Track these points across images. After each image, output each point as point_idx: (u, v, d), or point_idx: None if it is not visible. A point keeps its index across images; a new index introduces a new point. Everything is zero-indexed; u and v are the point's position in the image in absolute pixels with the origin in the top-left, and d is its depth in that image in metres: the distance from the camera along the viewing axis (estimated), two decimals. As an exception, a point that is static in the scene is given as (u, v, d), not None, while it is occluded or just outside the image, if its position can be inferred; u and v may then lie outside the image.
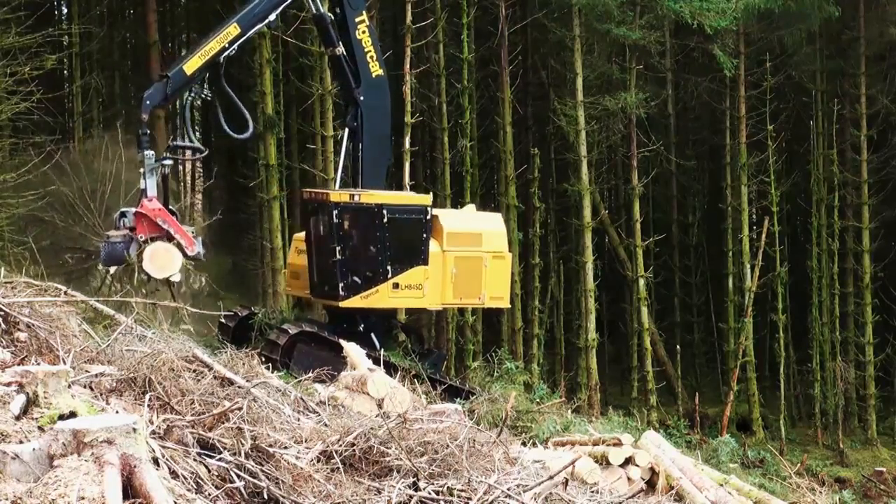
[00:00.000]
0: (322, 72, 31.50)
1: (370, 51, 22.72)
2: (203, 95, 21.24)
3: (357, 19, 22.53)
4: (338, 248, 21.60)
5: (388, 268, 22.05)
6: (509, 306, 25.26)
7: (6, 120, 26.35)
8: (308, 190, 23.48)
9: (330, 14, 22.86)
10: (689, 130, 45.70)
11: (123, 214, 20.94)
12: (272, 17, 21.74)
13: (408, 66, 32.90)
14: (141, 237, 20.39)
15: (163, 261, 20.27)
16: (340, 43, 22.53)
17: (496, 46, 36.97)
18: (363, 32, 22.60)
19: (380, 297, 22.12)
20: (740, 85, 39.30)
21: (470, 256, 22.96)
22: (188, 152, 22.62)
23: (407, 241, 22.31)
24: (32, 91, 25.22)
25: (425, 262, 22.35)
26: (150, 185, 20.66)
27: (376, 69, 22.87)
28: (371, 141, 22.86)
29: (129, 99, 43.40)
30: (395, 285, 22.14)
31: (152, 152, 20.76)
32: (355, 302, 21.98)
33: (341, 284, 21.69)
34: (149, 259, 20.13)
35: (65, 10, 38.36)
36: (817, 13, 37.01)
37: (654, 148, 39.08)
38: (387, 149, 23.88)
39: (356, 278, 21.87)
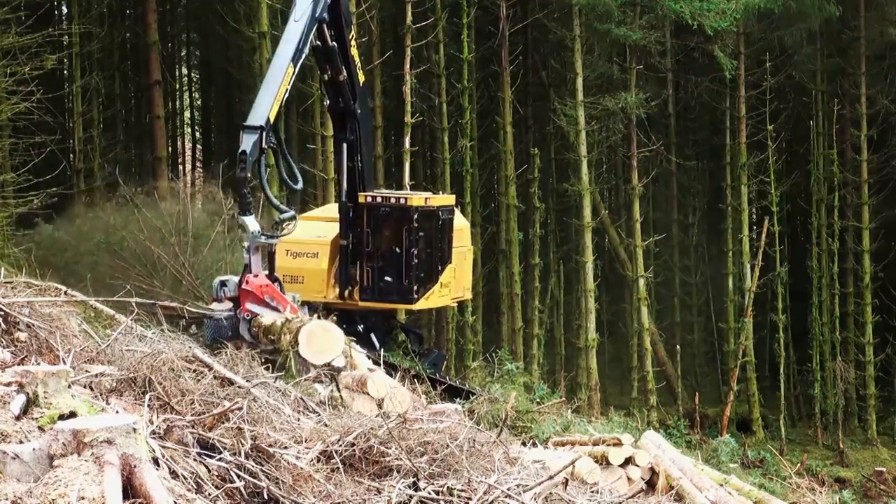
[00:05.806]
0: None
1: (358, 62, 22.64)
2: (272, 144, 19.98)
3: (349, 35, 22.10)
4: (415, 252, 21.96)
5: (440, 267, 22.60)
6: (471, 297, 25.94)
7: (6, 120, 26.34)
8: (369, 194, 22.29)
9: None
10: (689, 130, 45.65)
11: (224, 284, 19.44)
12: (307, 49, 20.64)
13: (408, 66, 32.90)
14: (247, 315, 18.71)
15: (322, 343, 16.85)
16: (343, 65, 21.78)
17: (496, 46, 36.97)
18: (354, 47, 22.35)
19: (434, 297, 22.68)
20: (740, 85, 39.29)
21: (461, 251, 23.62)
22: (291, 224, 20.13)
23: (446, 241, 22.90)
24: (32, 91, 25.18)
25: (451, 261, 22.95)
26: (255, 261, 19.15)
27: (362, 77, 22.85)
28: (367, 147, 23.08)
29: (128, 99, 43.43)
30: (441, 284, 22.71)
31: (257, 226, 19.24)
32: (421, 303, 22.57)
33: (415, 287, 22.08)
34: (305, 343, 16.77)
35: (65, 10, 38.33)
36: (817, 13, 36.99)
37: (654, 148, 39.07)
38: (372, 149, 24.13)
39: (423, 280, 22.33)
